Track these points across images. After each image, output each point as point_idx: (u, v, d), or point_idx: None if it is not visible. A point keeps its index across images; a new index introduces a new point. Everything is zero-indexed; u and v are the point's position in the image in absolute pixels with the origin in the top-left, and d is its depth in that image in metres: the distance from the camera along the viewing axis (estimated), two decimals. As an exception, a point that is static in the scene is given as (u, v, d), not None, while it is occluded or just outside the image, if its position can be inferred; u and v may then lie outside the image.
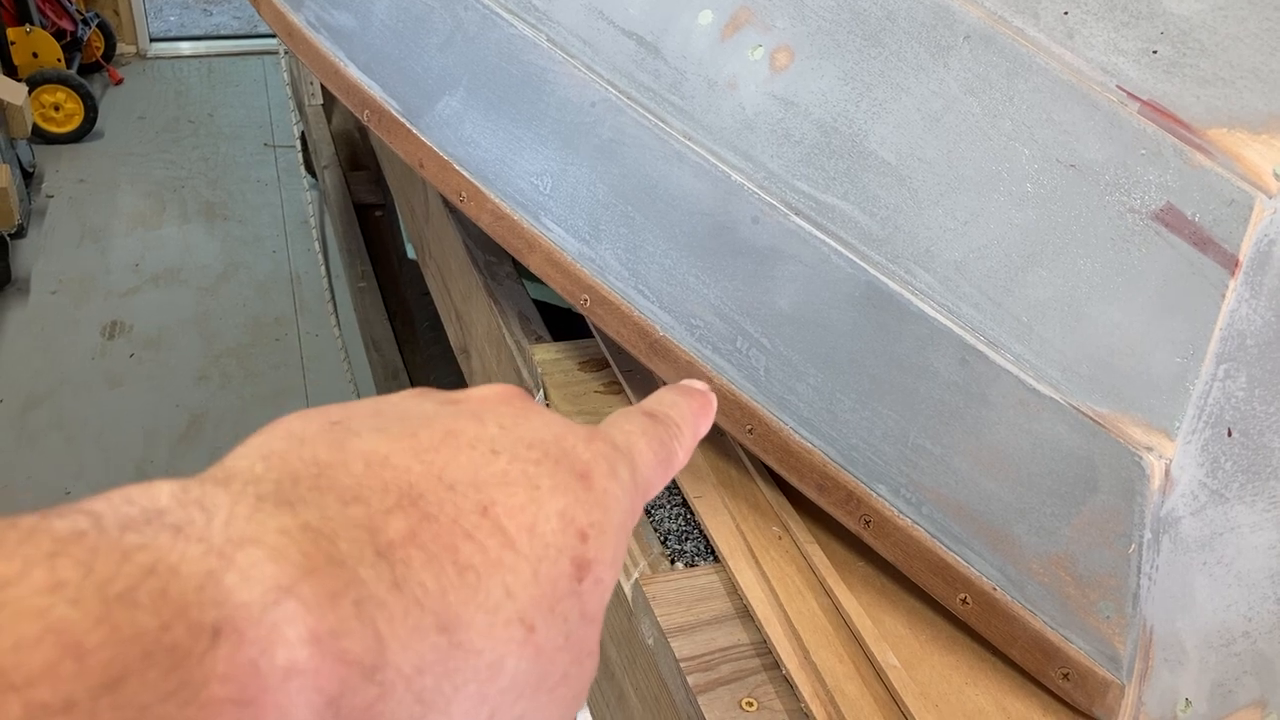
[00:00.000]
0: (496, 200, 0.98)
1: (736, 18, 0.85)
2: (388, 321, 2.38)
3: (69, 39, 4.46)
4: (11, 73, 3.67)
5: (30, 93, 3.65)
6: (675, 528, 0.86)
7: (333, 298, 2.83)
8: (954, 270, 0.74)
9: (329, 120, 3.32)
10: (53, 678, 0.19)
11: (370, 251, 2.71)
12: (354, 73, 1.14)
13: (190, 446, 2.53)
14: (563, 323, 1.31)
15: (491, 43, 0.99)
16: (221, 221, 3.54)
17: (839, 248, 0.77)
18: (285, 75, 3.51)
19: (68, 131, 4.14)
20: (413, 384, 2.25)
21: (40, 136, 4.03)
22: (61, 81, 4.10)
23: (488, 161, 0.99)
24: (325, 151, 3.09)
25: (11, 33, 4.13)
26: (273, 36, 5.52)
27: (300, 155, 2.76)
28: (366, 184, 2.98)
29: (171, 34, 5.86)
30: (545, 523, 0.31)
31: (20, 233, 3.28)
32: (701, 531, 0.85)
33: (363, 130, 3.40)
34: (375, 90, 1.11)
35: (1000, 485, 0.71)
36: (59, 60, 4.26)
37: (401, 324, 2.43)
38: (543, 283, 1.06)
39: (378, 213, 2.91)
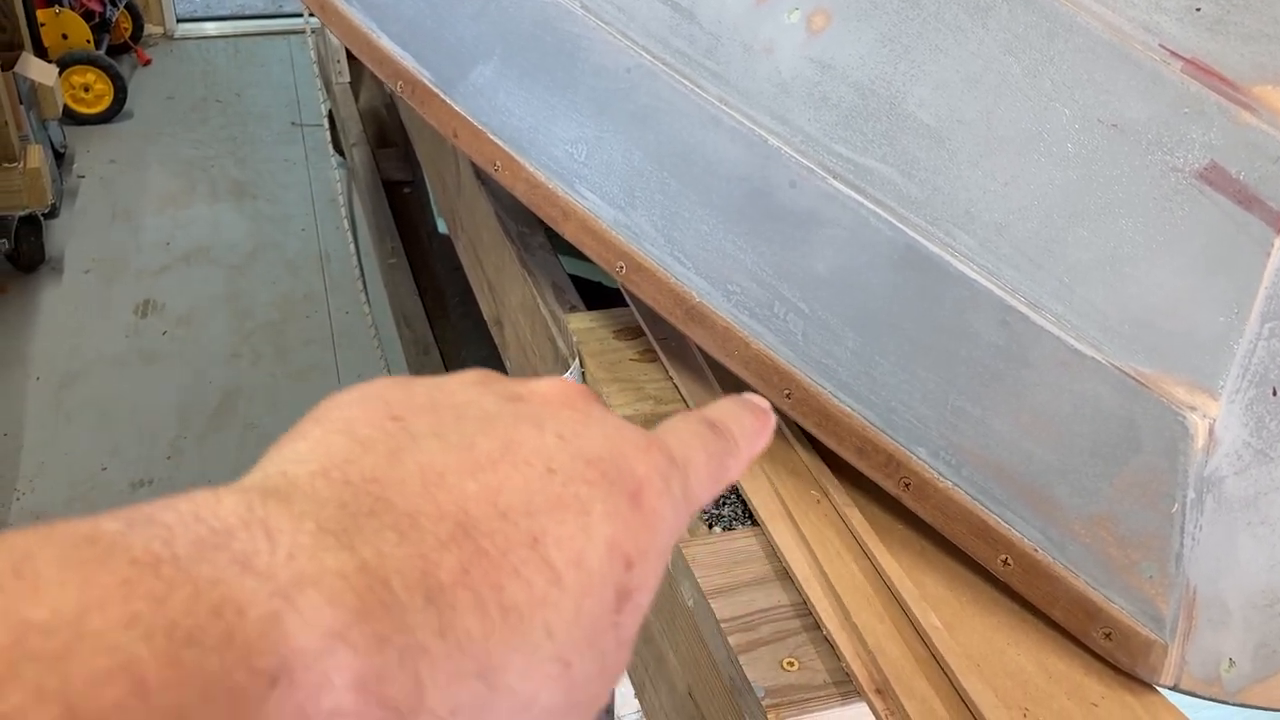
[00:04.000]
0: (531, 169, 0.98)
1: (772, -19, 0.85)
2: (418, 297, 2.39)
3: (97, 20, 4.48)
4: (41, 54, 3.69)
5: (60, 74, 3.67)
6: (713, 493, 0.87)
7: (362, 275, 2.85)
8: (994, 232, 0.73)
9: (356, 98, 3.33)
10: (120, 716, 0.20)
11: (399, 228, 2.72)
12: (386, 44, 1.14)
13: (223, 422, 2.55)
14: (598, 297, 1.31)
15: (525, 10, 0.99)
16: (250, 200, 3.56)
17: (878, 210, 0.77)
18: (312, 54, 3.52)
19: (98, 112, 4.17)
20: (444, 359, 2.26)
21: (70, 117, 4.06)
22: (91, 62, 4.12)
23: (522, 130, 0.99)
24: (353, 129, 3.10)
25: (41, 14, 4.15)
26: (299, 16, 5.53)
27: (328, 134, 2.77)
28: (395, 161, 2.99)
29: (198, 14, 5.88)
30: (593, 553, 0.31)
31: (53, 213, 3.31)
32: (738, 496, 0.86)
33: (390, 107, 3.40)
34: (408, 61, 1.11)
35: (1041, 446, 0.71)
36: (88, 41, 4.28)
37: (432, 299, 2.44)
38: (577, 256, 1.06)
39: (406, 189, 2.92)
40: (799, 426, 0.88)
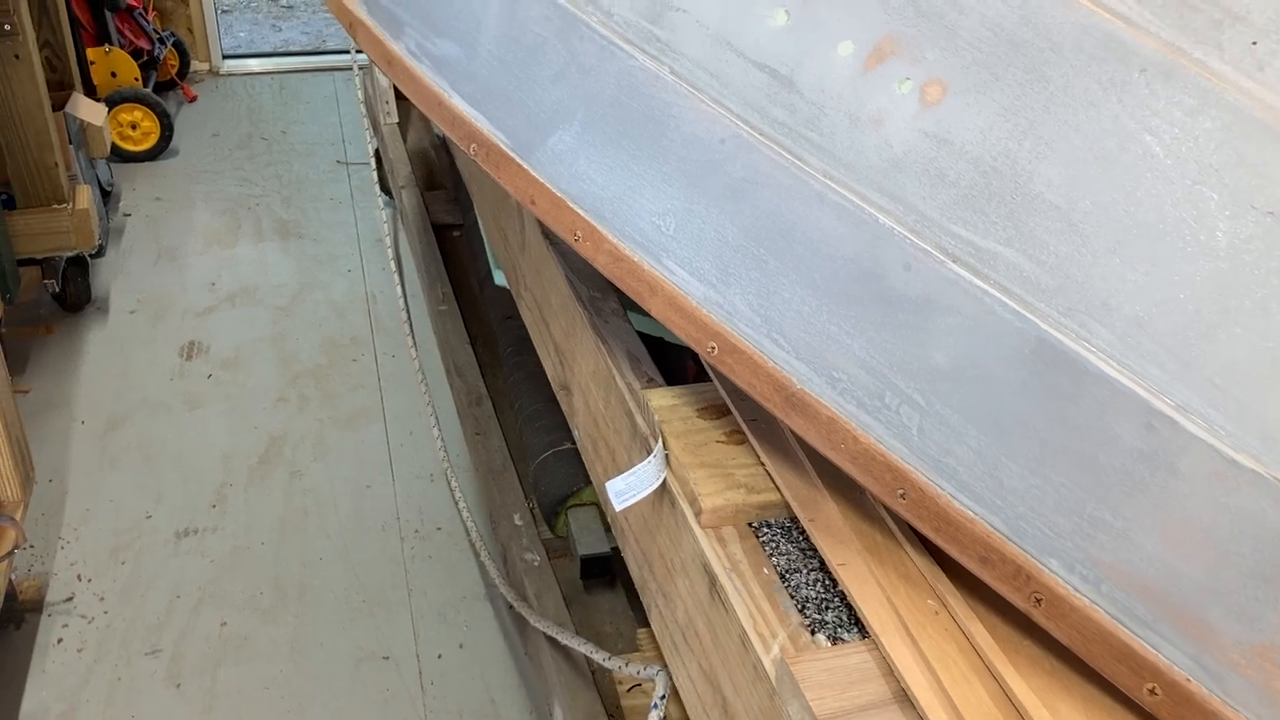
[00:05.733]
0: (615, 240, 0.93)
1: (880, 48, 0.80)
2: (469, 345, 2.34)
3: (146, 58, 4.50)
4: (90, 92, 3.70)
5: (108, 112, 3.68)
6: (814, 595, 0.81)
7: (409, 319, 2.81)
8: (1135, 326, 0.67)
9: (404, 139, 3.30)
10: None
11: (449, 272, 2.68)
12: (458, 104, 1.09)
13: (268, 470, 2.51)
14: (665, 355, 1.26)
15: (610, 75, 0.94)
16: (296, 240, 3.54)
17: (1004, 299, 0.71)
18: (359, 93, 3.51)
19: (144, 150, 4.17)
20: (496, 410, 2.21)
21: (117, 155, 4.06)
22: (139, 100, 4.13)
23: (605, 199, 0.94)
24: (401, 171, 3.07)
25: (91, 53, 4.17)
26: (343, 53, 5.53)
27: (374, 173, 2.74)
28: (443, 204, 2.95)
29: (242, 50, 5.91)
30: None
31: (99, 252, 3.30)
32: (844, 600, 0.80)
33: (439, 149, 3.38)
34: (482, 123, 1.06)
35: (1193, 564, 0.64)
36: (136, 79, 4.30)
37: (482, 347, 2.39)
38: (642, 311, 1.01)
39: (455, 233, 2.88)
40: (910, 527, 0.82)
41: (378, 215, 3.62)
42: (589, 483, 1.77)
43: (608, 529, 1.77)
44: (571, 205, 0.97)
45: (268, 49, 6.19)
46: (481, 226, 2.17)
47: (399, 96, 3.46)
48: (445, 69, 1.12)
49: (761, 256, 0.82)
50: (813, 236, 0.79)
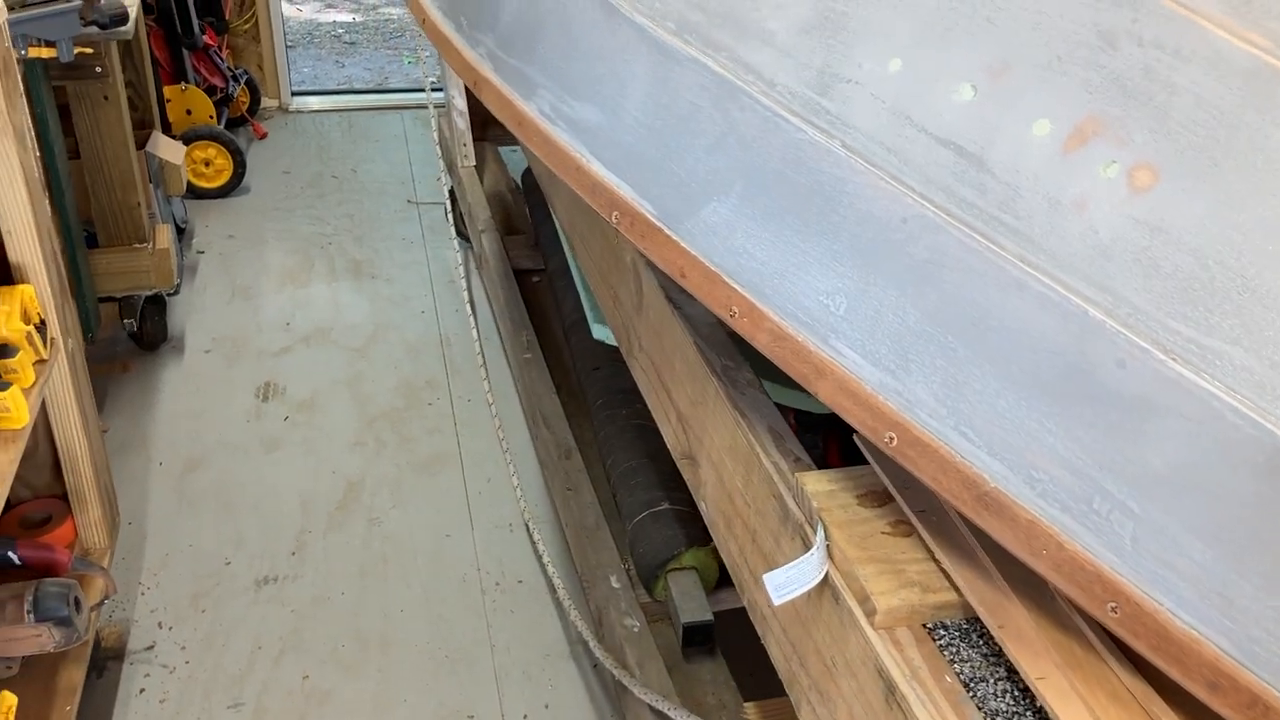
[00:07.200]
0: (776, 319, 0.89)
1: (1082, 129, 0.75)
2: (555, 395, 2.31)
3: (220, 95, 4.54)
4: (167, 130, 3.73)
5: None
6: (1004, 708, 0.75)
7: (484, 363, 2.79)
8: (1389, 438, 0.62)
9: (481, 181, 3.29)
10: None
11: (530, 319, 2.65)
12: (599, 170, 1.06)
13: (347, 517, 2.49)
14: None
15: (773, 147, 0.90)
16: (369, 280, 3.53)
17: (1233, 401, 0.66)
18: (434, 134, 3.51)
19: (217, 187, 4.20)
20: (586, 464, 2.17)
21: (190, 192, 4.09)
22: (213, 138, 4.16)
23: (765, 275, 0.90)
24: (481, 214, 3.05)
25: (168, 90, 4.21)
26: (409, 91, 5.56)
27: (448, 215, 2.73)
28: (523, 249, 2.93)
29: (306, 85, 5.96)
30: None
31: (176, 290, 3.31)
32: (1038, 715, 0.74)
33: (515, 193, 3.36)
34: (625, 190, 1.03)
35: None
36: (211, 117, 4.33)
37: (567, 396, 2.36)
38: (785, 384, 0.96)
39: (535, 279, 2.86)
40: (1113, 640, 0.76)
41: (449, 256, 3.61)
42: (689, 546, 1.73)
43: (709, 595, 1.72)
44: (728, 280, 0.93)
45: (331, 85, 6.25)
46: (580, 280, 2.14)
47: (478, 139, 3.46)
48: (584, 133, 1.08)
49: (949, 344, 0.78)
50: (1010, 326, 0.75)
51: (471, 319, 2.97)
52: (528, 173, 3.07)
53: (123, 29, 2.50)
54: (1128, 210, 0.72)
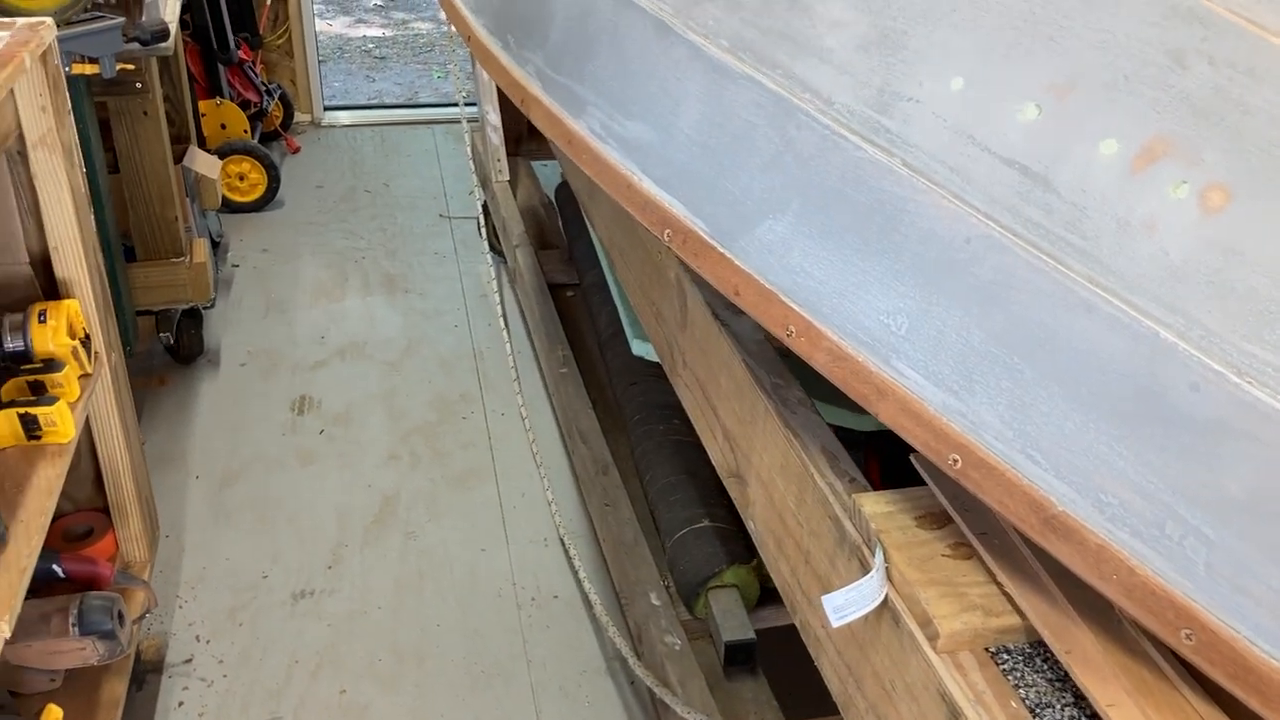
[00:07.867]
0: (835, 338, 0.88)
1: (1150, 149, 0.74)
2: (592, 410, 2.31)
3: (254, 110, 4.58)
4: (202, 144, 3.76)
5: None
6: (1072, 734, 0.74)
7: (517, 378, 2.79)
8: None
9: (515, 196, 3.30)
10: None
11: (565, 334, 2.65)
12: (650, 188, 1.06)
13: (383, 530, 2.49)
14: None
15: (832, 165, 0.90)
16: (403, 294, 3.54)
17: (1312, 427, 0.65)
18: (468, 149, 3.52)
19: (251, 201, 4.22)
20: (623, 479, 2.16)
21: (225, 205, 4.11)
22: (248, 152, 4.18)
23: (823, 294, 0.90)
24: (515, 229, 3.06)
25: (203, 105, 4.25)
26: (439, 106, 5.58)
27: (481, 229, 2.73)
28: (557, 263, 2.93)
29: (337, 100, 5.99)
30: None
31: (210, 303, 3.33)
32: (1108, 743, 0.73)
33: (548, 208, 3.37)
34: (678, 208, 1.03)
35: None
36: (245, 131, 4.36)
37: (602, 412, 2.35)
38: (821, 397, 0.95)
39: (569, 293, 2.86)
40: (1184, 666, 0.75)
41: (481, 270, 3.62)
42: (731, 563, 1.72)
43: (749, 613, 1.71)
44: (784, 299, 0.92)
45: (362, 99, 6.28)
46: (619, 295, 2.14)
47: (510, 154, 3.47)
48: (635, 151, 1.08)
49: (1015, 365, 0.77)
50: (1079, 347, 0.74)
51: (505, 333, 2.97)
52: (561, 187, 3.07)
53: (164, 45, 2.52)
54: (1200, 231, 0.71)
